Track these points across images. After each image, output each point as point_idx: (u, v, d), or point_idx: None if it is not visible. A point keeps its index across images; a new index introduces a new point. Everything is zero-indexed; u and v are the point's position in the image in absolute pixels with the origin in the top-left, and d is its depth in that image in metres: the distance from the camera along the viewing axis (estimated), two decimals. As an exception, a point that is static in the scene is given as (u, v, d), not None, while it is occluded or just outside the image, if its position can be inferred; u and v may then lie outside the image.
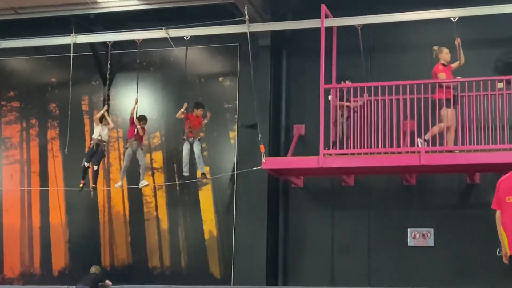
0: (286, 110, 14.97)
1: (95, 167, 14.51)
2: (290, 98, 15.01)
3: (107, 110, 14.83)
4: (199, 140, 14.14)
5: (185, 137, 14.07)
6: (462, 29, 13.12)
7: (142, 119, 14.52)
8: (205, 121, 14.37)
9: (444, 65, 12.67)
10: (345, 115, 13.10)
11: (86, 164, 14.48)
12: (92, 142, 14.59)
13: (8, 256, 16.19)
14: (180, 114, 14.03)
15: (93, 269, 14.20)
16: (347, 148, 12.83)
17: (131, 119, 14.44)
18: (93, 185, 14.60)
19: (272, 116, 14.63)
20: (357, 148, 12.71)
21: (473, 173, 13.30)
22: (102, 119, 14.61)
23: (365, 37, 14.15)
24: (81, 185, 14.56)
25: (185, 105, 14.02)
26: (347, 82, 13.39)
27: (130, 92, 15.13)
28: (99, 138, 14.54)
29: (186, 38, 14.34)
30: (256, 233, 14.28)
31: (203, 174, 14.15)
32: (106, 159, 15.56)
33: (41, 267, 15.98)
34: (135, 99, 14.48)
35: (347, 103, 13.12)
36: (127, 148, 14.42)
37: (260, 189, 14.38)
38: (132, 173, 14.62)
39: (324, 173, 13.51)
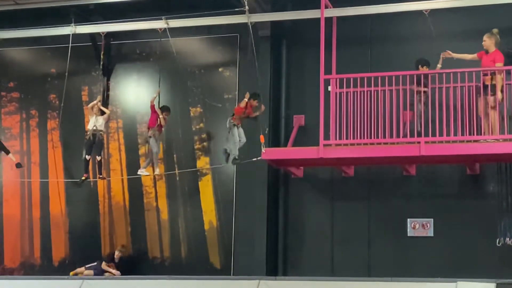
0: (286, 101, 14.95)
1: (98, 158, 14.53)
2: (290, 88, 14.99)
3: (100, 101, 14.83)
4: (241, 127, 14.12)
5: (235, 123, 13.95)
6: (460, 19, 13.11)
7: (166, 109, 14.47)
8: (257, 113, 14.28)
9: (486, 51, 12.46)
10: (419, 101, 12.66)
11: (87, 156, 14.49)
12: (88, 133, 14.60)
13: (8, 246, 16.21)
14: (244, 102, 13.93)
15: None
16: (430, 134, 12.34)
17: (152, 107, 14.37)
18: (100, 175, 14.63)
19: (272, 107, 14.61)
20: (357, 138, 12.72)
21: (473, 163, 13.29)
22: (97, 110, 14.63)
23: (364, 28, 14.16)
24: (83, 178, 14.58)
25: (248, 94, 13.90)
26: (424, 68, 13.00)
27: (130, 82, 15.09)
28: (94, 128, 14.54)
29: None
30: (256, 223, 14.30)
31: (235, 158, 13.98)
32: (105, 150, 15.56)
33: (41, 258, 16.00)
34: (158, 89, 14.41)
35: (425, 88, 12.61)
36: (150, 137, 14.35)
37: (260, 180, 14.39)
38: (133, 164, 14.62)
39: (324, 164, 13.51)
